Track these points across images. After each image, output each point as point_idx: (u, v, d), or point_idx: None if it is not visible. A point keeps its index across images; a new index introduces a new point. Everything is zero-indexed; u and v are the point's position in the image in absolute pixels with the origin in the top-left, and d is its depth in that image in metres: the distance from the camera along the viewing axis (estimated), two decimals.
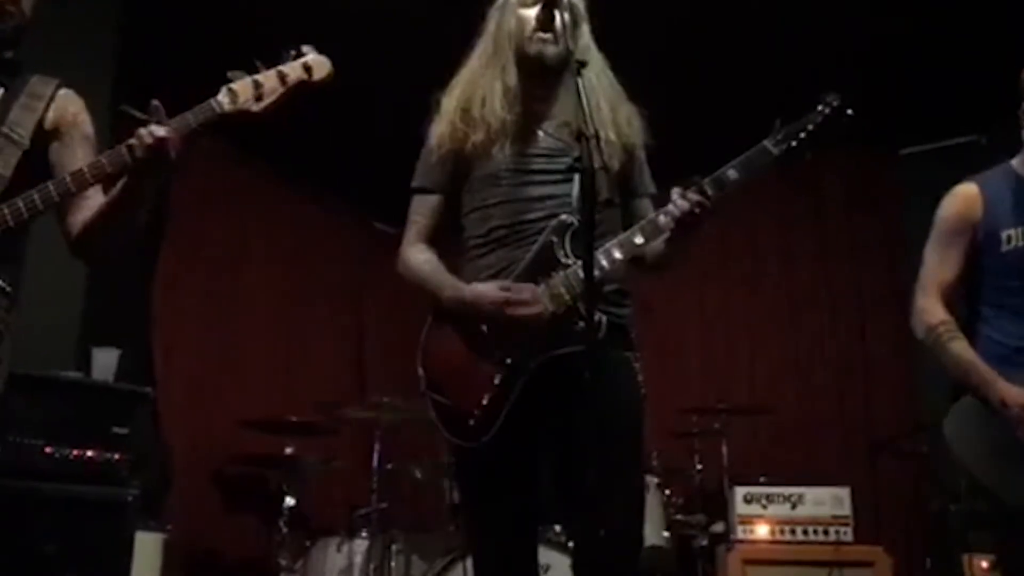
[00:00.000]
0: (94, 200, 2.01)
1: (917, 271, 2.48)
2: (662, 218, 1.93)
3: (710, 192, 1.91)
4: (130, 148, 1.85)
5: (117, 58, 4.13)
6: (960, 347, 2.31)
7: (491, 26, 2.20)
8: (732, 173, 1.93)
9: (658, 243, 1.98)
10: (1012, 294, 2.34)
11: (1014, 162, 2.44)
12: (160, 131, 1.83)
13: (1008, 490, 2.16)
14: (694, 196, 1.89)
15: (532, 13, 2.08)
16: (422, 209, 2.20)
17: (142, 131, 1.83)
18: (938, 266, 2.42)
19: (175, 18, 4.37)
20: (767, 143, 1.95)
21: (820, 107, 1.97)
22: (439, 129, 2.15)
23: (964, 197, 2.44)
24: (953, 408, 2.33)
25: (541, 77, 2.11)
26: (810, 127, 1.95)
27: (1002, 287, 2.36)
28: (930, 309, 2.38)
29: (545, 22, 2.03)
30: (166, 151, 1.83)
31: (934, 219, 2.46)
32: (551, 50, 2.06)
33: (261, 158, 5.54)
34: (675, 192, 1.93)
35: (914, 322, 2.42)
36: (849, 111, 1.94)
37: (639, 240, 1.94)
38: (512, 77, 2.11)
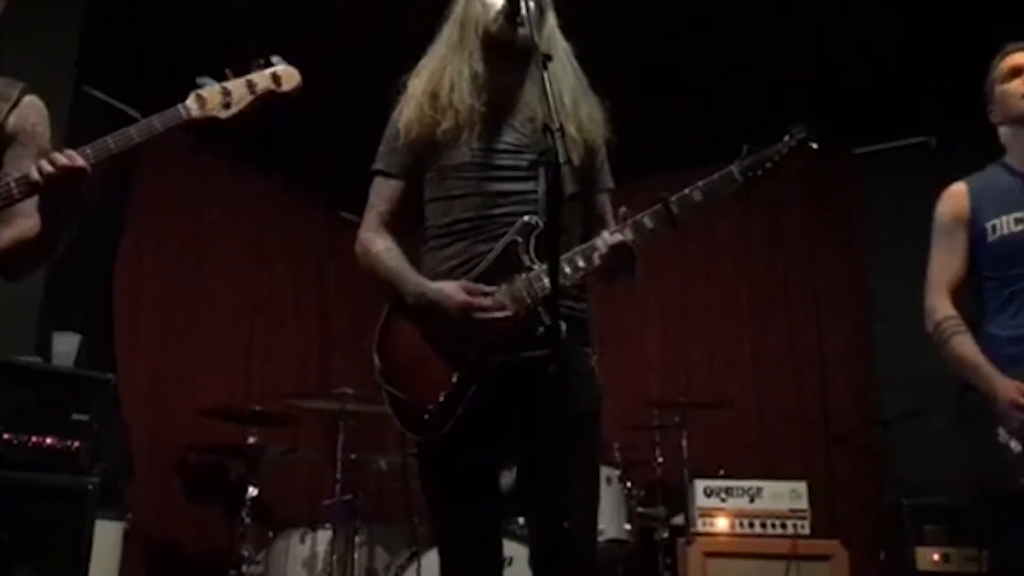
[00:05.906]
0: (26, 218, 1.94)
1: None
2: (595, 253, 1.93)
3: (675, 211, 1.92)
4: (38, 170, 1.78)
5: (80, 40, 4.06)
6: (960, 341, 2.38)
7: (456, 11, 2.18)
8: (697, 195, 1.94)
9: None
10: (1005, 284, 2.38)
11: (1006, 158, 2.50)
12: (62, 160, 1.76)
13: (1008, 480, 2.21)
14: (615, 238, 1.91)
15: (497, 1, 2.05)
16: (383, 193, 2.17)
17: (49, 158, 1.77)
18: (940, 265, 2.48)
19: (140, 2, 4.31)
20: (734, 169, 1.95)
21: (786, 138, 1.97)
22: (406, 113, 2.12)
23: (952, 195, 2.51)
24: (956, 400, 2.39)
25: (507, 63, 2.09)
26: (776, 158, 1.95)
27: (994, 278, 2.41)
28: (936, 306, 2.45)
29: (511, 14, 1.99)
30: (72, 179, 1.77)
31: (932, 221, 2.53)
32: (519, 31, 2.03)
33: (223, 145, 5.48)
34: (604, 233, 1.94)
35: (926, 321, 2.48)
36: (814, 144, 1.95)
37: (581, 264, 1.95)
38: (479, 63, 2.09)
